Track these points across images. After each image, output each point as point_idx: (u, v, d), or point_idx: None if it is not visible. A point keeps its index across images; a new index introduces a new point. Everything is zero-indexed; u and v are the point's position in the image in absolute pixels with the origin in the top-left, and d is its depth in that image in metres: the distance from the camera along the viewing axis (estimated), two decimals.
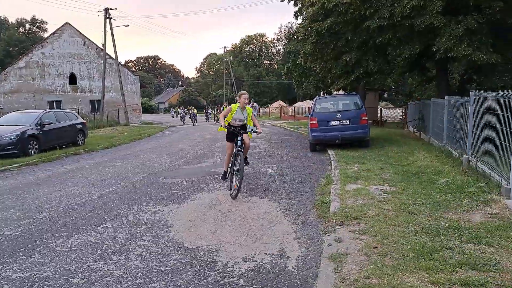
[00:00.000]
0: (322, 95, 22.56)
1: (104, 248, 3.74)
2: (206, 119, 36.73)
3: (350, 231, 4.03)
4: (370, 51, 12.22)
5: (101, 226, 4.45)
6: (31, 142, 11.14)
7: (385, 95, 52.56)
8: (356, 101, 10.94)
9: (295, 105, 46.01)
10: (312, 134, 10.62)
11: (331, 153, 9.86)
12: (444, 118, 9.22)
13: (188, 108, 36.16)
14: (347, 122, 10.43)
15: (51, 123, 12.21)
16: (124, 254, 3.58)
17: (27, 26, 70.01)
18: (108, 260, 3.42)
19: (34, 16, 73.21)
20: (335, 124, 10.44)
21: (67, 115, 13.97)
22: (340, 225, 4.26)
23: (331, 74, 13.87)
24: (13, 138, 10.48)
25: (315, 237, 3.99)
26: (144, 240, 3.94)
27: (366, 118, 10.56)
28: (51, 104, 30.93)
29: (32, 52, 31.60)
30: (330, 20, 11.31)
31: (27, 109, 22.88)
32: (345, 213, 4.57)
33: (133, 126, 28.47)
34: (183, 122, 32.97)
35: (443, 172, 6.71)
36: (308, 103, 40.86)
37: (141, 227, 4.39)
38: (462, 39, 9.60)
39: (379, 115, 23.77)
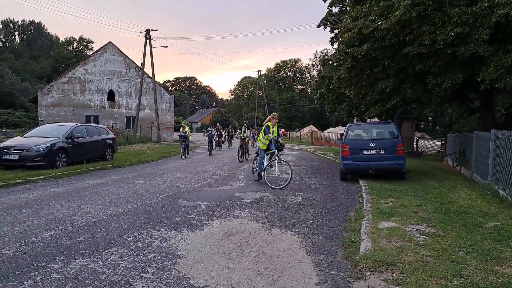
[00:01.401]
0: (355, 121, 21.86)
1: (102, 278, 3.37)
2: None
3: (383, 279, 3.43)
4: (409, 79, 11.59)
5: (106, 251, 4.11)
6: (60, 154, 11.29)
7: (422, 125, 50.62)
8: (392, 130, 10.28)
9: (327, 130, 45.29)
10: (343, 162, 10.02)
11: (363, 183, 9.19)
12: (490, 154, 8.36)
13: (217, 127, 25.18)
14: (382, 151, 9.76)
15: (81, 136, 12.39)
16: None
17: (75, 44, 74.76)
18: None
19: (82, 35, 78.48)
20: (369, 153, 9.80)
21: (98, 129, 14.20)
22: (371, 271, 3.67)
23: (365, 100, 13.28)
24: (42, 150, 10.65)
25: (341, 284, 3.43)
26: (148, 272, 3.54)
27: (403, 148, 9.85)
28: (88, 119, 32.15)
29: (75, 68, 33.30)
30: (366, 46, 10.86)
31: (63, 122, 23.79)
32: (377, 256, 3.96)
33: (164, 143, 28.85)
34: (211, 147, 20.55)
35: (490, 214, 5.91)
36: (340, 130, 40.05)
37: (148, 255, 4.00)
38: (511, 69, 8.84)
39: (415, 145, 22.62)
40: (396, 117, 17.10)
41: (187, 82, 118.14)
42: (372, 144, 9.82)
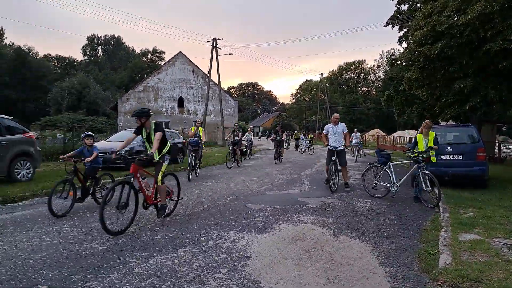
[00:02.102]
0: None
1: (179, 275, 3.58)
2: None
3: None
4: (490, 78, 10.54)
5: (181, 249, 4.36)
6: None
7: (504, 128, 45.38)
8: (472, 134, 9.44)
9: (394, 134, 42.92)
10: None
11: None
12: None
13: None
14: (460, 156, 9.00)
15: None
16: (198, 286, 3.35)
17: (149, 55, 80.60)
18: None
19: (155, 46, 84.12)
20: (445, 158, 9.10)
21: (171, 134, 15.11)
22: (453, 287, 3.40)
23: (440, 102, 12.36)
24: (123, 153, 11.60)
25: None
26: (220, 273, 3.68)
27: (485, 153, 8.98)
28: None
29: (149, 78, 35.95)
30: (441, 43, 10.13)
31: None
32: (460, 271, 3.66)
33: (229, 146, 29.72)
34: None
35: None
36: (409, 133, 37.68)
37: (219, 256, 4.16)
38: None
39: (496, 150, 20.44)
40: (475, 120, 15.65)
41: (249, 88, 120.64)
42: (449, 148, 9.10)
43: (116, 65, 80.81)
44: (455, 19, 9.95)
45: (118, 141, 12.70)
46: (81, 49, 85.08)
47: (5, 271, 3.65)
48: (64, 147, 15.31)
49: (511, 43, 8.88)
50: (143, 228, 5.31)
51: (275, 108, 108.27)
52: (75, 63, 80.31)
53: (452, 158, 9.03)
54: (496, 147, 20.86)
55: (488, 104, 11.12)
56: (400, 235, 5.16)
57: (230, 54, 36.21)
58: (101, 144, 12.56)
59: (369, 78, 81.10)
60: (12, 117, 9.54)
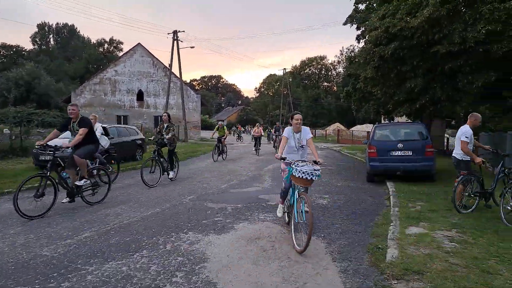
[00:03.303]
0: (383, 121, 21.44)
1: (134, 281, 3.53)
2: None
3: None
4: (438, 78, 11.24)
5: (137, 254, 4.29)
6: None
7: (453, 123, 48.60)
8: (421, 131, 10.03)
9: (354, 128, 44.53)
10: (370, 163, 9.87)
11: (390, 185, 9.03)
12: None
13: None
14: (410, 153, 9.54)
15: (112, 137, 12.83)
16: None
17: (106, 46, 77.17)
18: None
19: (112, 37, 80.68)
20: (396, 154, 9.61)
21: (129, 130, 14.66)
22: (397, 280, 3.64)
23: (393, 100, 13.00)
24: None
25: None
26: (177, 276, 3.67)
27: (432, 150, 9.59)
28: (119, 118, 33.21)
29: (106, 70, 34.47)
30: (394, 45, 10.63)
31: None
32: (404, 264, 3.92)
33: (191, 142, 29.39)
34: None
35: None
36: (367, 127, 39.27)
37: (177, 259, 4.14)
38: None
39: (445, 144, 21.86)
40: (426, 116, 16.61)
41: (213, 81, 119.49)
42: (400, 145, 9.61)
43: (70, 55, 76.60)
44: (407, 21, 10.46)
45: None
46: (30, 37, 79.73)
47: None
48: (11, 144, 14.37)
49: (456, 46, 9.50)
50: (97, 232, 5.15)
51: (239, 102, 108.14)
52: (23, 52, 75.05)
53: (403, 154, 9.55)
54: (445, 140, 22.28)
55: (436, 103, 11.84)
56: (353, 230, 5.41)
57: (192, 47, 35.76)
58: (51, 142, 11.92)
59: (330, 73, 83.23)
60: None
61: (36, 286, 3.39)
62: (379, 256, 4.27)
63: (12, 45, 74.75)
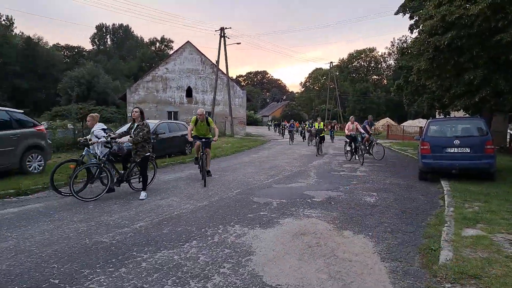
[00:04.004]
0: (437, 114, 20.23)
1: (184, 270, 3.71)
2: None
3: None
4: (501, 68, 10.34)
5: (187, 244, 4.49)
6: None
7: None
8: (480, 126, 9.34)
9: (405, 123, 42.50)
10: (423, 160, 9.39)
11: (444, 184, 8.54)
12: None
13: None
14: (467, 150, 8.93)
15: (164, 133, 13.45)
16: (202, 281, 3.47)
17: (157, 44, 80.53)
18: (185, 286, 3.36)
19: (163, 36, 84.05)
20: (452, 151, 9.05)
21: (179, 126, 15.26)
22: (451, 283, 3.46)
23: (449, 93, 12.19)
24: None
25: None
26: (224, 268, 3.80)
27: (493, 146, 8.90)
28: (169, 114, 34.64)
29: (158, 68, 36.03)
30: (451, 34, 9.93)
31: (147, 119, 25.80)
32: (459, 267, 3.71)
33: (237, 137, 29.87)
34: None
35: None
36: (420, 122, 37.27)
37: (224, 250, 4.28)
38: None
39: (508, 140, 20.14)
40: (486, 110, 15.41)
41: (258, 76, 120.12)
42: (457, 141, 9.03)
43: (125, 54, 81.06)
44: (466, 8, 9.74)
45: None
46: (89, 38, 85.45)
47: (19, 265, 3.82)
48: (74, 139, 15.56)
49: None
50: (151, 222, 5.45)
51: (284, 97, 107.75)
52: (84, 53, 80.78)
53: (459, 151, 8.97)
54: (508, 137, 20.55)
55: (499, 95, 10.93)
56: (403, 230, 5.21)
57: (238, 43, 36.26)
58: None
59: (379, 66, 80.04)
60: (23, 111, 9.75)
61: (98, 270, 3.69)
62: (432, 258, 4.08)
63: (74, 46, 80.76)
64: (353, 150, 13.81)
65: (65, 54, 79.32)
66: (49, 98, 60.69)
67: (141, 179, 7.49)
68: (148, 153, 7.30)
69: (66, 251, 4.19)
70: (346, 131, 14.05)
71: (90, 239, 4.63)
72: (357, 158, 13.68)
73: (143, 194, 7.10)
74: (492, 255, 4.08)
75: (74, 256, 4.04)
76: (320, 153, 16.55)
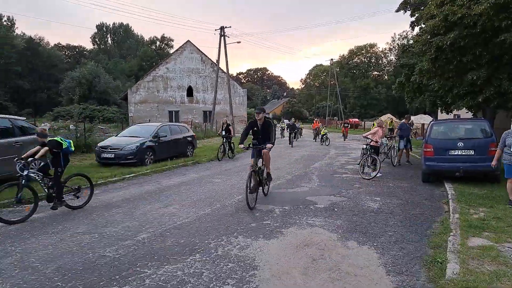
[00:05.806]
0: (440, 113, 20.10)
1: (189, 287, 3.68)
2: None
3: None
4: (505, 68, 10.26)
5: (191, 257, 4.46)
6: (148, 153, 12.41)
7: None
8: (484, 128, 9.27)
9: None
10: (426, 163, 9.33)
11: (448, 187, 8.49)
12: None
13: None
14: (471, 152, 8.87)
15: (165, 135, 13.43)
16: None
17: (158, 43, 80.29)
18: None
19: (163, 34, 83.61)
20: (456, 153, 8.98)
21: (180, 128, 15.23)
22: None
23: (452, 93, 12.12)
24: (134, 149, 11.82)
25: None
26: (228, 284, 3.76)
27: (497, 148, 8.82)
28: (170, 114, 34.62)
29: (158, 67, 35.99)
30: (454, 34, 9.86)
31: (149, 120, 25.83)
32: (466, 282, 3.67)
33: (238, 136, 29.77)
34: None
35: None
36: (422, 118, 37.08)
37: (228, 265, 4.24)
38: None
39: None
40: (489, 108, 15.32)
41: (258, 73, 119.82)
42: (460, 143, 8.96)
43: (126, 53, 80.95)
44: (469, 7, 9.64)
45: (129, 136, 12.87)
46: (90, 37, 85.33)
47: (23, 283, 3.80)
48: (76, 141, 15.50)
49: None
50: (154, 233, 5.42)
51: (285, 94, 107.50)
52: (85, 52, 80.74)
53: (463, 154, 8.90)
54: None
55: (502, 95, 10.84)
56: (408, 239, 5.17)
57: (238, 42, 36.20)
58: (111, 140, 12.74)
59: (380, 62, 79.68)
60: (25, 118, 9.75)
61: None
62: (438, 272, 4.03)
63: (75, 46, 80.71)
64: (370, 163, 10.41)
65: (66, 54, 79.30)
66: (51, 98, 60.76)
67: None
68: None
69: (69, 268, 4.16)
70: (374, 137, 10.50)
71: (93, 253, 4.60)
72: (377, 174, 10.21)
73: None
74: (500, 268, 4.03)
75: (77, 274, 4.01)
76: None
